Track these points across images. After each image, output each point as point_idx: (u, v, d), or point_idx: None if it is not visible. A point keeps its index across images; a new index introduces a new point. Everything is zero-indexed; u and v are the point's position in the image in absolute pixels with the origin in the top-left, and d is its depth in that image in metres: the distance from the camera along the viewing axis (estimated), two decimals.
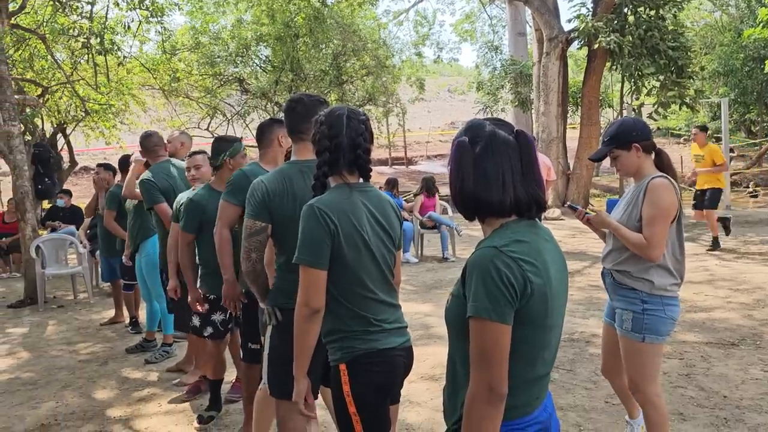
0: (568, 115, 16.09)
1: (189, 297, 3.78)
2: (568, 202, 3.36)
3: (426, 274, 7.98)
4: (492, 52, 22.68)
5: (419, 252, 9.49)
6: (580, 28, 12.82)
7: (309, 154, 2.59)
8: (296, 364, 2.17)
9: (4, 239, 9.74)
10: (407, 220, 9.03)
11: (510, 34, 20.34)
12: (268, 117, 17.04)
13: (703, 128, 8.95)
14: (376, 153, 20.96)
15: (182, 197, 4.29)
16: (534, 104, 15.27)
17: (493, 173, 1.55)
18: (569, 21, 18.10)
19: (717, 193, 8.65)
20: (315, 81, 16.34)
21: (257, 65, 17.71)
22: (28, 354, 5.55)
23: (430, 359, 4.74)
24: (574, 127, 16.31)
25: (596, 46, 12.58)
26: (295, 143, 2.75)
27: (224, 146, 3.73)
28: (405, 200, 12.06)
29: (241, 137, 3.83)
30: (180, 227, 3.77)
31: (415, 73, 21.36)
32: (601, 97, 15.62)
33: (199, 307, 3.74)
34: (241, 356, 3.35)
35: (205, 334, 3.74)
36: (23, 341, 5.99)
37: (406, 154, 26.13)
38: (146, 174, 4.66)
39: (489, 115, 18.27)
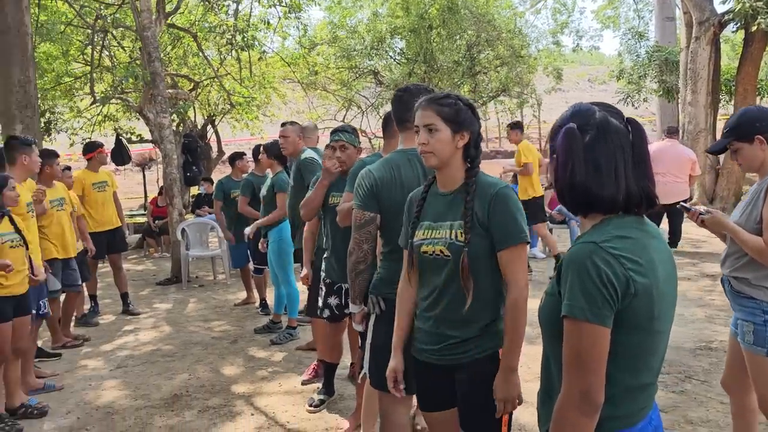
0: (721, 105, 14.75)
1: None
2: (680, 202, 3.08)
3: (552, 271, 7.69)
4: (636, 39, 21.31)
5: (546, 247, 9.16)
6: (736, 9, 11.68)
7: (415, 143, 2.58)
8: (517, 349, 2.10)
9: (156, 222, 10.65)
10: None
11: (657, 19, 19.03)
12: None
13: (515, 125, 7.99)
14: (509, 145, 20.46)
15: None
16: (680, 93, 14.13)
17: (606, 165, 1.43)
18: (723, 2, 16.55)
19: (533, 205, 7.42)
20: (448, 72, 16.26)
21: (391, 57, 17.92)
22: (170, 328, 6.04)
23: None
24: (726, 118, 14.94)
25: (754, 28, 11.40)
26: (402, 132, 2.73)
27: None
28: None
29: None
30: None
31: (553, 63, 20.58)
32: (759, 85, 14.15)
33: (305, 282, 4.16)
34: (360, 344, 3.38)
35: (324, 316, 3.85)
36: (167, 316, 6.53)
37: (540, 146, 25.36)
38: (312, 153, 4.84)
39: (631, 106, 17.24)
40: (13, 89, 6.90)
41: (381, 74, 17.91)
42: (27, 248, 4.02)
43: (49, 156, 5.11)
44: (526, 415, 3.66)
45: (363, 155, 3.79)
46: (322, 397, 4.03)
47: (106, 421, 3.94)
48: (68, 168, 6.40)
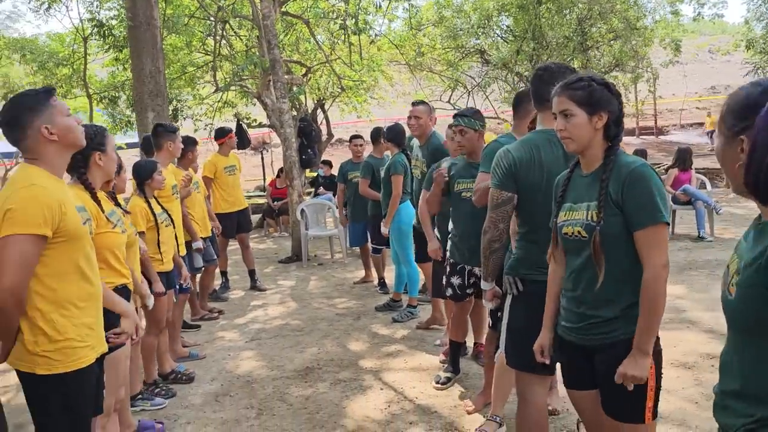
0: None
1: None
2: None
3: (678, 254, 7.35)
4: (767, 5, 19.66)
5: (671, 229, 8.76)
6: None
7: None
8: (650, 332, 2.06)
9: (276, 203, 11.13)
10: None
11: None
12: (509, 88, 16.92)
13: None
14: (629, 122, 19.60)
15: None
16: None
17: None
18: None
19: None
20: (558, 48, 15.75)
21: (498, 36, 17.58)
22: (295, 304, 6.33)
23: (681, 345, 4.41)
24: None
25: None
26: (541, 112, 2.70)
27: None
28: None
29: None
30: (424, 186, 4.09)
31: (670, 34, 19.39)
32: None
33: (436, 256, 4.24)
34: (490, 323, 3.41)
35: (447, 295, 3.93)
36: (291, 293, 6.84)
37: (656, 123, 24.09)
38: (443, 137, 4.91)
39: (759, 77, 15.96)
40: (145, 80, 7.39)
41: (487, 53, 17.61)
42: (174, 227, 4.36)
43: (190, 142, 5.48)
44: (662, 403, 3.55)
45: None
46: (448, 374, 4.11)
47: (246, 388, 4.21)
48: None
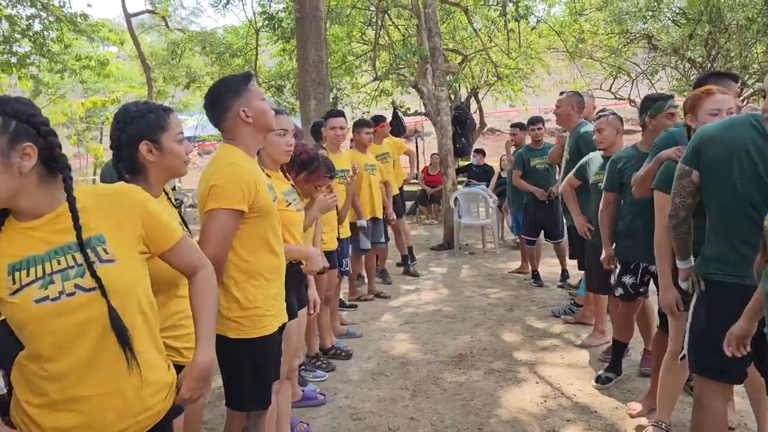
0: None
1: (602, 254, 3.88)
2: None
3: None
4: None
5: None
6: None
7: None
8: None
9: (429, 189, 11.28)
10: None
11: None
12: (679, 75, 15.73)
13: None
14: None
15: (592, 156, 4.36)
16: None
17: None
18: None
19: None
20: (738, 31, 14.35)
21: (669, 18, 16.37)
22: (447, 291, 6.38)
23: None
24: None
25: None
26: None
27: (646, 105, 3.62)
28: None
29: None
30: (602, 187, 3.85)
31: None
32: None
33: (608, 265, 3.84)
34: (658, 323, 3.24)
35: (616, 294, 3.75)
36: (443, 280, 6.90)
37: None
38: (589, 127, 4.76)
39: None
40: (309, 69, 7.76)
41: (656, 38, 16.47)
42: (338, 212, 4.55)
43: (361, 125, 5.70)
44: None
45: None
46: (609, 374, 3.93)
47: (401, 369, 4.31)
48: (365, 122, 6.96)
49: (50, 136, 1.44)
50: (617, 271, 3.71)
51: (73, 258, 1.45)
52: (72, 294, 1.43)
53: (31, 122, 1.41)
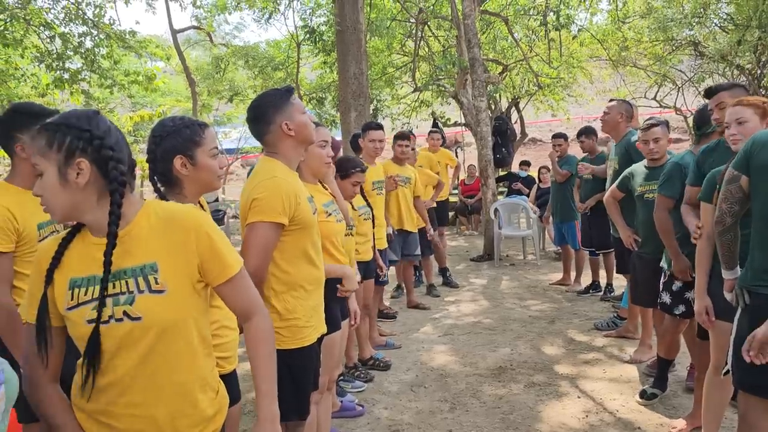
0: None
1: (674, 266, 3.55)
2: None
3: None
4: None
5: None
6: None
7: None
8: None
9: (466, 200, 11.23)
10: None
11: None
12: (726, 82, 15.35)
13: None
14: None
15: (635, 168, 4.28)
16: None
17: None
18: None
19: None
20: None
21: (716, 25, 15.99)
22: (487, 303, 6.33)
23: None
24: None
25: None
26: None
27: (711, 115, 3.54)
28: None
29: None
30: (660, 192, 3.72)
31: None
32: None
33: (688, 277, 3.46)
34: (696, 332, 3.15)
35: (676, 312, 3.59)
36: (483, 291, 6.85)
37: None
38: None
39: None
40: (349, 81, 7.83)
41: (702, 44, 16.10)
42: (374, 222, 4.55)
43: (400, 137, 5.74)
44: None
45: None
46: (654, 390, 3.84)
47: (440, 381, 4.30)
48: (404, 135, 6.86)
49: (104, 150, 1.43)
50: (679, 285, 3.55)
51: (126, 284, 1.45)
52: (120, 320, 1.45)
53: (84, 138, 1.42)
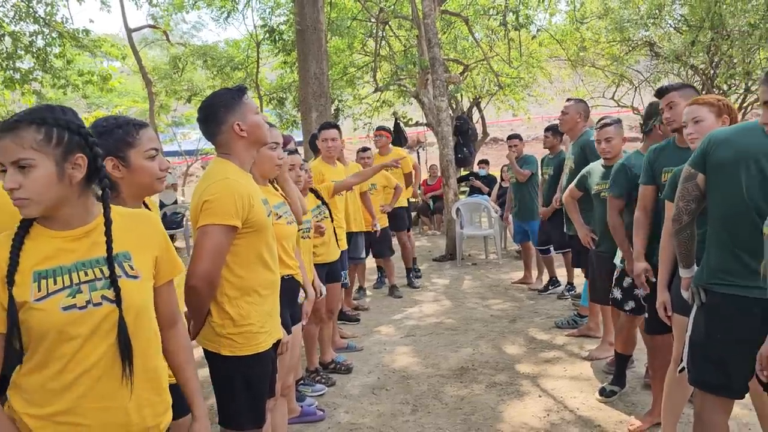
0: None
1: (627, 266, 3.55)
2: None
3: None
4: None
5: None
6: None
7: None
8: None
9: (428, 199, 11.26)
10: None
11: None
12: (682, 83, 15.72)
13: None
14: None
15: (592, 167, 4.33)
16: None
17: None
18: None
19: None
20: (740, 38, 14.34)
21: (670, 26, 16.37)
22: (449, 303, 6.33)
23: None
24: None
25: None
26: None
27: (654, 111, 3.59)
28: None
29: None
30: (609, 192, 3.76)
31: None
32: None
33: (638, 280, 3.38)
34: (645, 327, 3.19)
35: (626, 308, 3.67)
36: (445, 291, 6.85)
37: None
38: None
39: None
40: (310, 81, 7.76)
41: (658, 45, 16.46)
42: (332, 221, 4.47)
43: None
44: None
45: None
46: (613, 388, 3.87)
47: (402, 383, 4.26)
48: (366, 149, 6.67)
49: (95, 147, 1.49)
50: (630, 281, 3.59)
51: (101, 271, 1.49)
52: (99, 304, 1.47)
53: (81, 133, 1.47)
